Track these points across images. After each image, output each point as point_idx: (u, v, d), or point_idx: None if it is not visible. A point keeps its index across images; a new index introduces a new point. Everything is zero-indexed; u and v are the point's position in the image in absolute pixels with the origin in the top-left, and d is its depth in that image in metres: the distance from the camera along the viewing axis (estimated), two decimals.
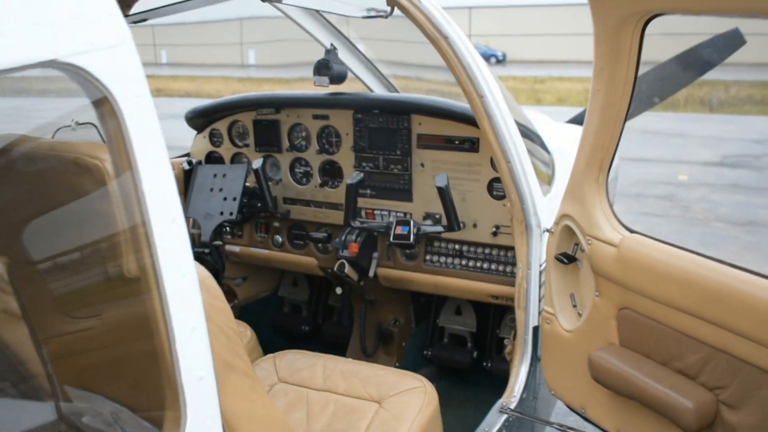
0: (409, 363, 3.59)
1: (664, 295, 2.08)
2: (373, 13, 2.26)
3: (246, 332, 2.94)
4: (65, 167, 1.26)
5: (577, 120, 4.80)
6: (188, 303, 1.14)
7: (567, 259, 2.43)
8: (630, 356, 2.22)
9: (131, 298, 1.24)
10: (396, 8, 2.25)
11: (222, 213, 3.12)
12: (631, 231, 2.26)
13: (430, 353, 3.61)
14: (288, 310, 3.96)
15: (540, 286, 2.66)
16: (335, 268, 3.11)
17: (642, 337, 2.20)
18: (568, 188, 2.39)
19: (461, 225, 2.87)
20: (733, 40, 3.74)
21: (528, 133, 2.68)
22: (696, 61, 4.12)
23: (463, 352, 3.54)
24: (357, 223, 3.01)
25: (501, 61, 34.67)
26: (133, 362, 1.28)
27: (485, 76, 2.33)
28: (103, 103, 1.06)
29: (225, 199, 3.14)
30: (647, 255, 2.13)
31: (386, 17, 2.26)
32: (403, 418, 2.25)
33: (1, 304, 1.38)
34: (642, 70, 2.05)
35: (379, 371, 2.48)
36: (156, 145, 1.10)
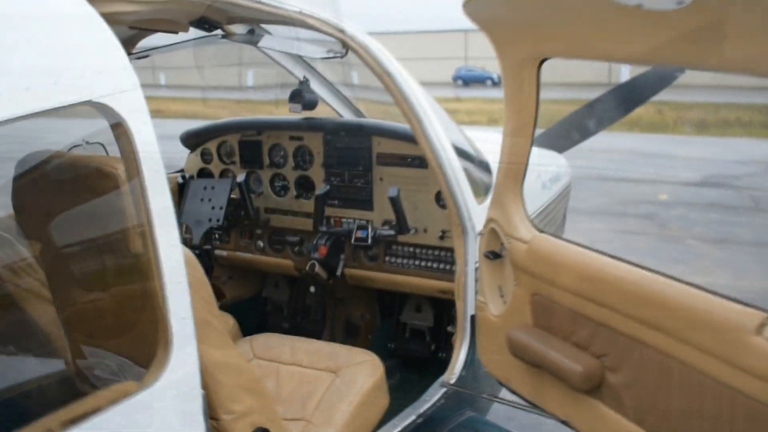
0: (383, 356, 4.08)
1: (561, 282, 2.59)
2: (331, 54, 2.80)
3: (229, 321, 3.45)
4: (90, 173, 1.78)
5: (536, 141, 5.32)
6: (175, 266, 1.66)
7: (493, 255, 2.94)
8: (537, 333, 2.72)
9: (137, 267, 1.74)
10: (349, 51, 2.77)
11: (210, 220, 3.64)
12: (540, 231, 2.78)
13: (393, 346, 4.10)
14: (270, 309, 4.46)
15: (476, 281, 3.16)
16: (307, 268, 3.62)
17: (548, 317, 2.71)
18: (493, 197, 2.91)
19: (412, 230, 3.39)
20: (666, 75, 4.26)
21: (465, 153, 3.20)
22: (628, 96, 4.63)
23: (422, 345, 4.03)
24: (324, 228, 3.53)
25: (497, 83, 35.40)
26: (136, 313, 1.78)
27: (422, 104, 2.85)
28: (120, 129, 1.58)
29: (213, 208, 3.67)
30: (549, 249, 2.65)
31: (342, 57, 2.80)
32: (353, 384, 2.75)
33: (33, 275, 1.89)
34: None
35: (336, 348, 2.98)
36: (155, 158, 1.62)
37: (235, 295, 4.26)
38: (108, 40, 1.57)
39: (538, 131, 5.51)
